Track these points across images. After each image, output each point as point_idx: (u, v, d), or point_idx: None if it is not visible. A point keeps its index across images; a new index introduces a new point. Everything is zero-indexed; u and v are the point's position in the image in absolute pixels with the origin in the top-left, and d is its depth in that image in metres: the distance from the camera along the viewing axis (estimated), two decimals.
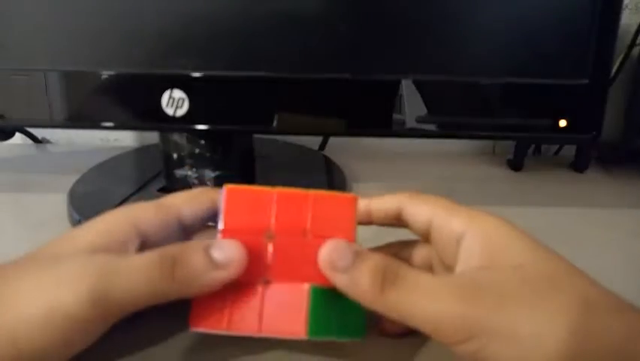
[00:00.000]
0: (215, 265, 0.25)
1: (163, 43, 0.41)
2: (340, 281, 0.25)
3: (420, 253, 0.30)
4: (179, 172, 0.47)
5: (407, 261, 0.30)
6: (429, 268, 0.30)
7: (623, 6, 0.41)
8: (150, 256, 0.25)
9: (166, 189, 0.48)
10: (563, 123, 0.42)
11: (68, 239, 0.27)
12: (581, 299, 0.23)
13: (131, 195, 0.47)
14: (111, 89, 0.43)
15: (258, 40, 0.41)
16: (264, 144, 0.54)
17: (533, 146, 0.64)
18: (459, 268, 0.26)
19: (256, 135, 0.51)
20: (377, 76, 0.42)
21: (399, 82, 0.42)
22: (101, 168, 0.54)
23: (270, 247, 0.27)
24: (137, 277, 0.24)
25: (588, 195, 0.54)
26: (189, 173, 0.47)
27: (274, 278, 0.27)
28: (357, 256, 0.24)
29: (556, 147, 0.65)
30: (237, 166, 0.48)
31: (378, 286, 0.23)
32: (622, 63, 0.57)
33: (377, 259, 0.24)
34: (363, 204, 0.30)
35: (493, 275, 0.24)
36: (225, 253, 0.25)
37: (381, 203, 0.30)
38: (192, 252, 0.25)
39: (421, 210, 0.28)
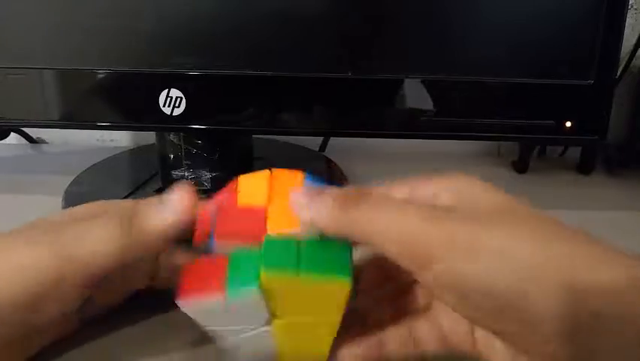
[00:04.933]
0: (167, 205, 0.27)
1: (160, 41, 0.41)
2: (307, 215, 0.24)
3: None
4: (176, 173, 0.46)
5: None
6: None
7: (628, 6, 0.40)
8: (109, 217, 0.27)
9: (162, 190, 0.47)
10: (568, 124, 0.42)
11: None
12: (559, 234, 0.22)
13: (127, 196, 0.47)
14: (107, 87, 0.42)
15: (258, 39, 0.41)
16: (264, 144, 0.53)
17: (538, 147, 0.63)
18: None
19: (255, 136, 0.50)
20: (379, 75, 0.41)
21: (401, 82, 0.41)
22: (96, 168, 0.54)
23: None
24: (99, 236, 0.26)
25: (594, 198, 0.53)
26: (186, 173, 0.46)
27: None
28: (320, 190, 0.25)
29: (562, 148, 0.64)
30: (235, 167, 0.47)
31: (339, 207, 0.23)
32: (627, 63, 0.57)
33: (340, 189, 0.24)
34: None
35: (464, 202, 0.23)
36: (176, 192, 0.27)
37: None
38: (146, 201, 0.28)
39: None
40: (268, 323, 0.25)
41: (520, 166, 0.59)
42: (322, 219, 0.24)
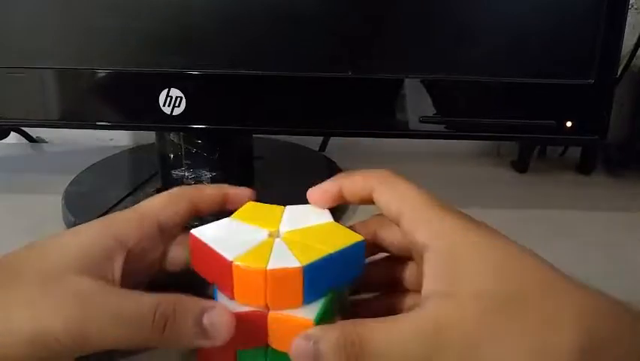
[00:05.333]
0: (203, 332, 0.25)
1: (160, 41, 0.41)
2: None
3: (397, 233, 0.29)
4: (176, 173, 0.46)
5: (385, 241, 0.30)
6: (406, 248, 0.29)
7: (629, 5, 0.40)
8: (142, 309, 0.25)
9: (162, 190, 0.47)
10: (568, 124, 0.42)
11: (53, 251, 0.27)
12: (542, 322, 0.23)
13: (127, 195, 0.47)
14: (107, 87, 0.42)
15: (258, 38, 0.40)
16: (263, 144, 0.53)
17: (538, 147, 0.63)
18: (424, 289, 0.25)
19: (255, 135, 0.50)
20: (379, 75, 0.41)
21: (401, 81, 0.41)
22: (96, 168, 0.54)
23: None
24: (124, 324, 0.25)
25: (594, 198, 0.53)
26: (186, 173, 0.46)
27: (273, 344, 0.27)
28: (316, 343, 0.24)
29: (562, 148, 0.64)
30: (235, 167, 0.47)
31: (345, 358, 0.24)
32: (628, 63, 0.57)
33: (335, 337, 0.24)
34: (334, 187, 0.30)
35: (454, 313, 0.24)
36: (215, 322, 0.26)
37: (353, 185, 0.30)
38: (185, 315, 0.25)
39: (390, 203, 0.28)
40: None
41: (520, 166, 0.59)
42: None
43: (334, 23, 0.40)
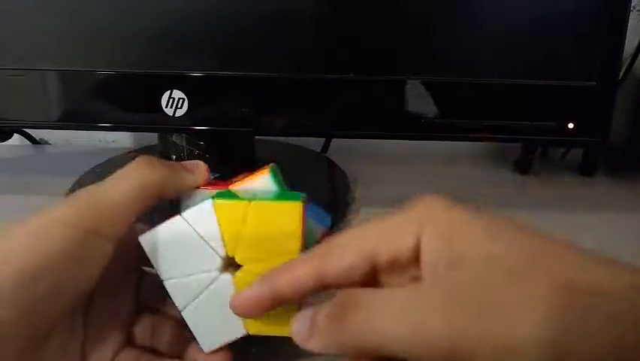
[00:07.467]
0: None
1: (163, 42, 0.41)
2: (301, 338, 0.23)
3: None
4: None
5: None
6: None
7: (631, 7, 0.40)
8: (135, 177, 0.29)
9: None
10: (570, 126, 0.42)
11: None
12: (559, 285, 0.20)
13: None
14: (110, 89, 0.42)
15: (260, 40, 0.41)
16: (266, 145, 0.53)
17: (540, 149, 0.63)
18: (427, 263, 0.22)
19: (257, 137, 0.50)
20: (381, 77, 0.41)
21: (404, 83, 0.41)
22: (99, 169, 0.54)
23: None
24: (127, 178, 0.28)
25: (596, 200, 0.53)
26: None
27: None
28: (314, 310, 0.23)
29: (564, 149, 0.64)
30: (237, 168, 0.47)
31: (336, 319, 0.21)
32: (630, 65, 0.57)
33: (332, 301, 0.22)
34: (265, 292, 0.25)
35: (465, 275, 0.21)
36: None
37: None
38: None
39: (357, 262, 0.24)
40: (224, 267, 0.27)
41: (523, 168, 0.59)
42: (319, 335, 0.22)
43: (336, 25, 0.41)
